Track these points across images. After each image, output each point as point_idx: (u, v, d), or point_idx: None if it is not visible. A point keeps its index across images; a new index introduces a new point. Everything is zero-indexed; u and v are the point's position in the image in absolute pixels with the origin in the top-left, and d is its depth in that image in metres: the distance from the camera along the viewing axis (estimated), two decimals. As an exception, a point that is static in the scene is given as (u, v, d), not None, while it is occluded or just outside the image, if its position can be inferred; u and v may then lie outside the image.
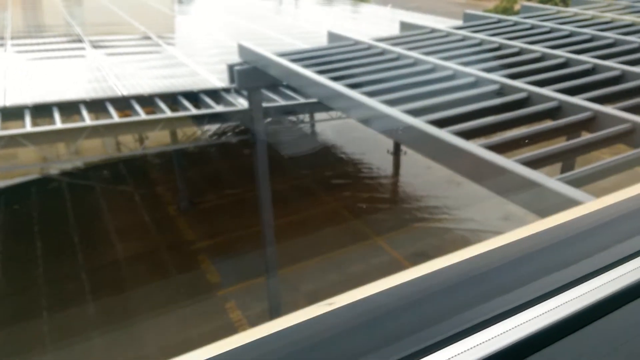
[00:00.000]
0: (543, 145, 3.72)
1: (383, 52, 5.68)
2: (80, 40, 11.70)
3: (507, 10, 17.66)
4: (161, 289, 7.83)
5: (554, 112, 3.87)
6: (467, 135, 3.66)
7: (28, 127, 6.74)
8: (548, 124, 3.76)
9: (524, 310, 0.61)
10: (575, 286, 0.65)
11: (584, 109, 3.68)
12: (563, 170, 5.34)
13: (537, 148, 3.60)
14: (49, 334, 6.96)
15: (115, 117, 7.14)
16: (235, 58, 6.71)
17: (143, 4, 19.99)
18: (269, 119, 7.84)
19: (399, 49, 5.58)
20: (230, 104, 7.66)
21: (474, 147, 3.40)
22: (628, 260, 0.69)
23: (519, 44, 5.40)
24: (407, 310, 0.59)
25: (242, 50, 6.47)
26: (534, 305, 0.62)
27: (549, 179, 2.99)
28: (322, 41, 7.17)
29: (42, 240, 9.02)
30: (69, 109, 7.30)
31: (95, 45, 11.12)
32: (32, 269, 8.16)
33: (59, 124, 6.86)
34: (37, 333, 6.93)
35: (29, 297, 7.64)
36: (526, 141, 3.65)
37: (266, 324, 0.58)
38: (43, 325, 7.07)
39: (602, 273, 0.67)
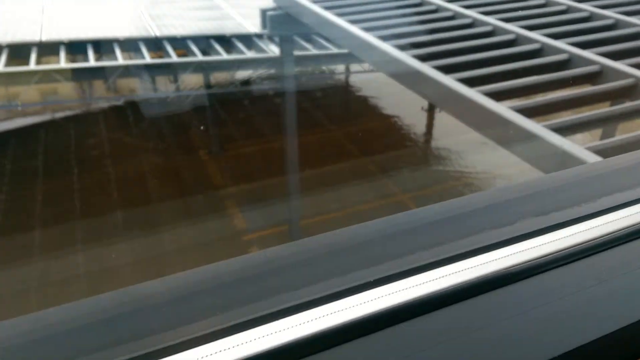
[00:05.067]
0: (580, 112, 3.55)
1: (421, 3, 5.44)
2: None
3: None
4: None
5: (595, 77, 3.67)
6: (499, 95, 3.52)
7: (62, 63, 6.83)
8: (587, 89, 3.57)
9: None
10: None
11: (626, 75, 3.47)
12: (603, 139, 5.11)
13: (573, 114, 3.44)
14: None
15: (147, 58, 7.16)
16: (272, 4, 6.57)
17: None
18: (300, 68, 7.72)
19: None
20: (262, 50, 7.56)
21: (503, 109, 3.27)
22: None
23: (565, 0, 5.07)
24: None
25: (277, -6, 6.31)
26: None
27: (582, 150, 2.86)
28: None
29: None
30: (103, 47, 7.34)
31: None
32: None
33: (92, 61, 6.93)
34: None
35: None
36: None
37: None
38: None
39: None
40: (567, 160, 2.91)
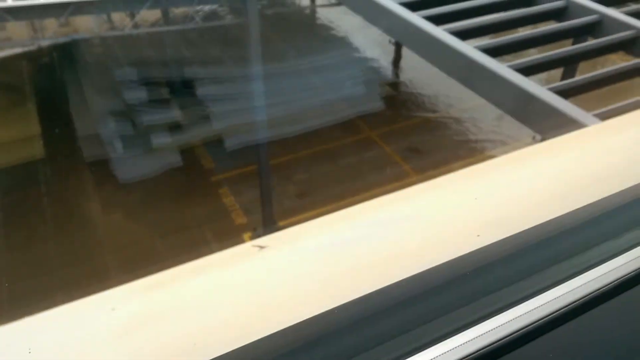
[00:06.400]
0: (543, 51, 3.55)
1: None
2: None
3: None
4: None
5: (560, 14, 3.64)
6: (464, 35, 3.47)
7: (9, 1, 6.37)
8: (550, 26, 3.55)
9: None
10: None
11: (591, 11, 3.45)
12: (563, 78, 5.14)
13: (535, 53, 3.43)
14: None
15: (102, -7, 6.74)
16: None
17: None
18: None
19: None
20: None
21: (469, 48, 3.23)
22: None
23: None
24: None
25: None
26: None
27: (544, 90, 2.87)
28: None
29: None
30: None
31: None
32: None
33: (41, -2, 6.48)
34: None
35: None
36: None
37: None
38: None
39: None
40: (528, 100, 2.93)
